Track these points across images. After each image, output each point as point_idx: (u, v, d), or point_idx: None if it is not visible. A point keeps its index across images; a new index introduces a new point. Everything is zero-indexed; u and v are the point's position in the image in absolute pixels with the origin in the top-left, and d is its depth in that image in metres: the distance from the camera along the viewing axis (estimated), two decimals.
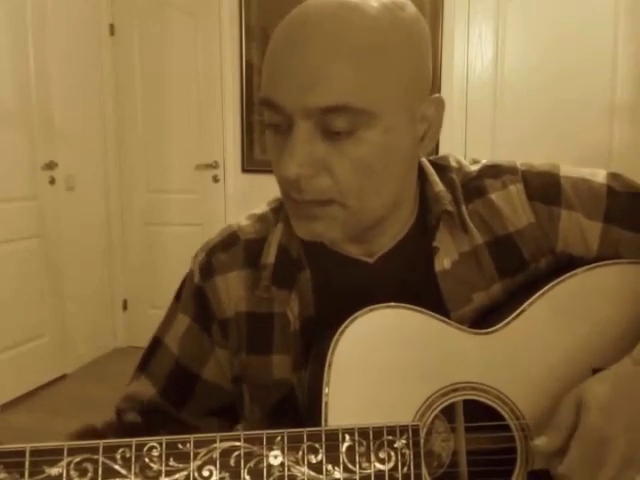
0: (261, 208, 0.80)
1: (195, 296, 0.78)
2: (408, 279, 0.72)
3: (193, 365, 0.79)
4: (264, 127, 0.65)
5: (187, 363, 0.79)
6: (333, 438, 0.59)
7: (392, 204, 0.68)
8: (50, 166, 3.15)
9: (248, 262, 0.76)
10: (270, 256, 0.74)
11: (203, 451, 0.57)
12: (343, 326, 0.63)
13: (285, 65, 0.60)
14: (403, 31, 0.62)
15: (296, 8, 0.63)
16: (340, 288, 0.72)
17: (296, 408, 0.71)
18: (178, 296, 0.81)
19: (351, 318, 0.63)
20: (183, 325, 0.79)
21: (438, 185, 0.74)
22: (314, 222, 0.65)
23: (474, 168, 0.77)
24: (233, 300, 0.76)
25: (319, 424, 0.61)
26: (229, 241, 0.78)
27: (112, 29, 3.60)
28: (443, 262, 0.71)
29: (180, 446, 0.57)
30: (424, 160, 0.76)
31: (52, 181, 3.18)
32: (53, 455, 0.56)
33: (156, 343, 0.81)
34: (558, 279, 0.68)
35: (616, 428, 0.59)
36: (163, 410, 0.80)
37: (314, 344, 0.68)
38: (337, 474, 0.58)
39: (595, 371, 0.65)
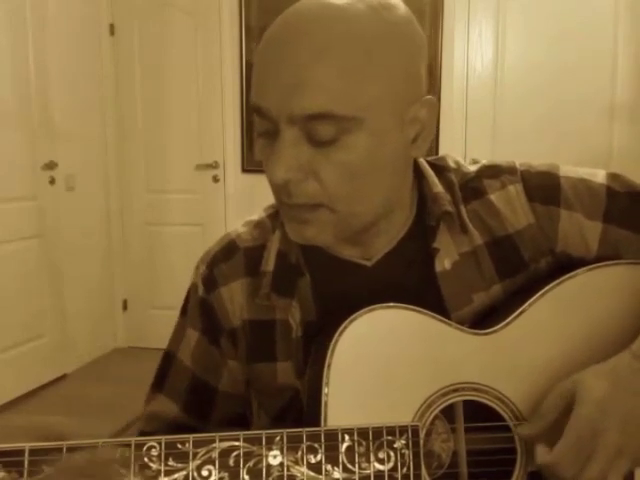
0: (257, 214, 0.80)
1: (201, 309, 0.77)
2: (408, 281, 0.72)
3: (209, 378, 0.78)
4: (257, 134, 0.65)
5: (203, 376, 0.78)
6: (332, 438, 0.59)
7: (384, 207, 0.68)
8: (50, 166, 3.15)
9: (249, 270, 0.75)
10: (269, 263, 0.74)
11: (202, 451, 0.57)
12: (342, 326, 0.63)
13: (270, 69, 0.60)
14: (390, 33, 0.61)
15: (283, 12, 0.62)
16: (340, 292, 0.72)
17: (301, 413, 0.70)
18: (184, 311, 0.80)
19: (350, 318, 0.63)
20: (193, 340, 0.78)
21: (437, 186, 0.73)
22: (305, 226, 0.65)
23: (472, 168, 0.76)
24: (238, 309, 0.75)
25: (319, 424, 0.61)
26: (229, 250, 0.77)
27: (112, 29, 3.60)
28: (444, 263, 0.71)
29: (179, 446, 0.57)
30: (422, 161, 0.75)
31: (52, 181, 3.18)
32: (52, 454, 0.56)
33: (169, 359, 0.80)
34: (558, 279, 0.68)
35: (610, 421, 0.59)
36: (190, 427, 0.78)
37: (314, 345, 0.68)
38: (336, 474, 0.58)
39: None
